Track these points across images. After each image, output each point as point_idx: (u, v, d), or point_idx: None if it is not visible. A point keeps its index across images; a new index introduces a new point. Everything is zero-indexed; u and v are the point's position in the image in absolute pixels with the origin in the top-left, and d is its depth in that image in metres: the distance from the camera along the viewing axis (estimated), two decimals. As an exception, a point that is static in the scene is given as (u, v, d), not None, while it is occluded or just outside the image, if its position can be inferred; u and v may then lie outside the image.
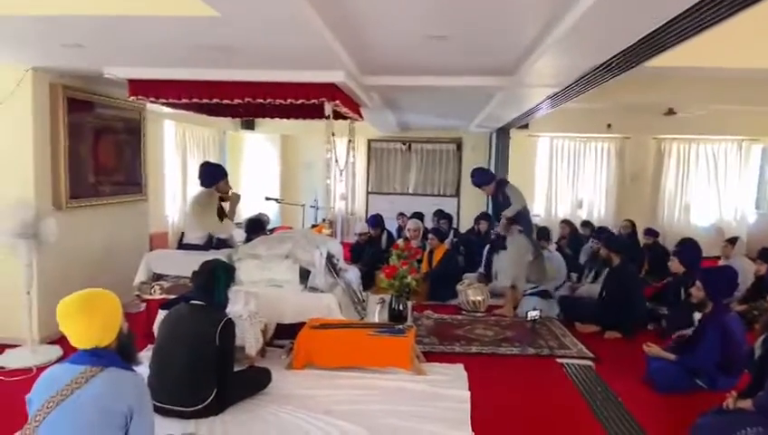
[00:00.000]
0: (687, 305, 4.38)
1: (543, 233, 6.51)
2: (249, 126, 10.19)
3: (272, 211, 9.12)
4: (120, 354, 2.20)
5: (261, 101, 4.31)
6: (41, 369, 3.69)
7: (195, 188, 8.45)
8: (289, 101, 4.29)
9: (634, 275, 5.49)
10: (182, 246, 5.06)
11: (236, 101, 4.33)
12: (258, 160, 10.66)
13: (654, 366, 3.91)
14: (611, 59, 3.64)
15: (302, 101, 4.28)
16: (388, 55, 4.05)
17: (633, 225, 7.98)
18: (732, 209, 10.40)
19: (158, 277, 4.71)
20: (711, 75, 5.32)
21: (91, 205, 5.09)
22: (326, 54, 3.67)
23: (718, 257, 6.66)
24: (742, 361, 3.62)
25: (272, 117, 5.91)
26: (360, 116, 5.50)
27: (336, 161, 4.74)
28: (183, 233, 5.25)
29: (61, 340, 4.00)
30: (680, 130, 9.86)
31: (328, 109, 4.31)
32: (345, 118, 5.32)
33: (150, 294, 4.56)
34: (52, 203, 4.59)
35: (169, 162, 8.04)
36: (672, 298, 5.22)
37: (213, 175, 5.15)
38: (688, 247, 5.23)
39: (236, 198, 5.37)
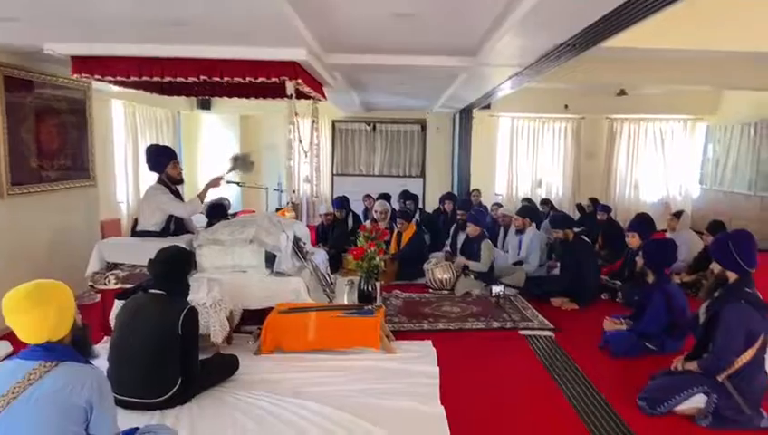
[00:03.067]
0: (639, 277, 4.59)
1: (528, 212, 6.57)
2: (205, 106, 9.85)
3: (232, 195, 8.90)
4: (74, 348, 2.10)
5: (217, 79, 4.13)
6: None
7: (147, 172, 8.25)
8: (248, 79, 4.12)
9: (588, 249, 5.69)
10: (136, 233, 4.83)
11: (191, 79, 4.14)
12: (216, 142, 10.33)
13: (608, 334, 4.14)
14: (570, 39, 3.70)
15: (262, 80, 4.13)
16: (352, 33, 3.96)
17: (596, 202, 8.30)
18: (677, 185, 10.90)
19: (112, 266, 4.50)
20: (660, 57, 5.49)
21: (35, 192, 4.79)
22: (286, 30, 3.54)
23: (665, 231, 6.98)
24: (685, 325, 3.90)
25: (229, 96, 5.70)
26: (324, 96, 5.39)
27: (300, 142, 4.63)
28: (136, 220, 4.99)
29: (9, 335, 3.78)
30: (631, 109, 10.25)
31: (290, 88, 4.19)
32: (308, 98, 5.20)
33: (105, 284, 4.35)
34: (-8, 190, 4.30)
35: (119, 145, 7.69)
36: (628, 272, 5.44)
37: (159, 158, 4.75)
38: (646, 223, 5.44)
39: (217, 182, 4.97)
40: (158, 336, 3.05)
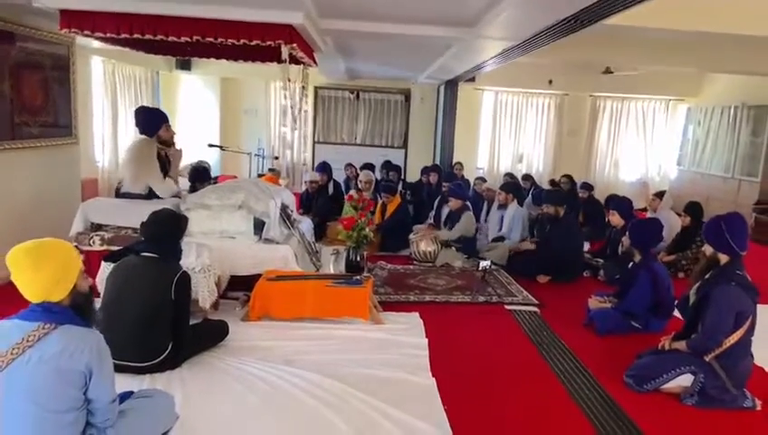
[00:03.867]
0: (624, 256, 4.70)
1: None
2: (185, 66, 9.56)
3: (211, 159, 8.73)
4: (74, 311, 2.08)
5: (211, 40, 4.00)
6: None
7: (126, 131, 8.05)
8: (242, 41, 4.00)
9: (575, 227, 5.78)
10: (121, 195, 4.73)
11: (184, 38, 3.99)
12: (195, 104, 10.07)
13: (593, 311, 4.20)
14: (573, 15, 3.67)
15: (257, 43, 4.01)
16: (352, -1, 3.86)
17: (572, 180, 8.35)
18: (656, 165, 11.11)
19: (96, 227, 4.42)
20: (646, 36, 5.50)
21: (17, 147, 4.63)
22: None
23: (644, 210, 7.12)
24: (669, 304, 4.01)
25: (217, 58, 5.52)
26: (314, 61, 5.27)
27: (291, 108, 4.54)
28: (120, 183, 4.87)
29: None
30: (614, 88, 10.31)
31: (284, 52, 4.07)
32: (298, 62, 5.08)
33: (89, 245, 4.27)
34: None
35: (98, 103, 7.44)
36: (610, 250, 5.56)
37: (151, 121, 4.65)
38: (626, 203, 5.55)
39: (179, 154, 4.89)
40: (150, 300, 3.03)
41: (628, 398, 3.10)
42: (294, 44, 4.07)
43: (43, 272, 1.96)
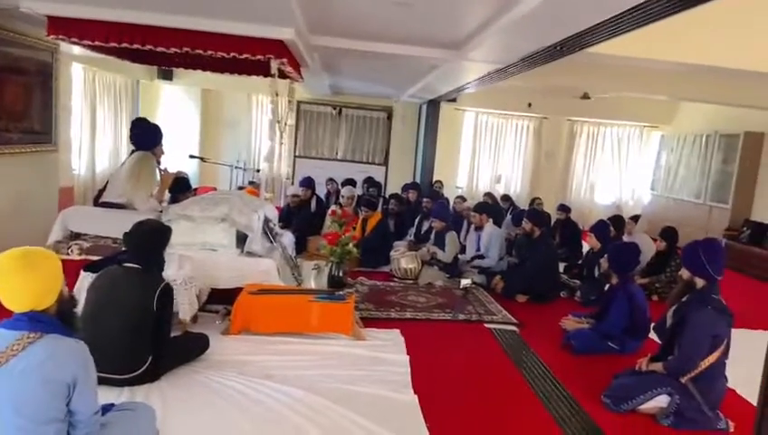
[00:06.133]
0: (600, 278, 4.80)
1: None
2: (166, 76, 9.49)
3: (190, 170, 8.65)
4: (60, 320, 2.04)
5: (200, 52, 4.01)
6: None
7: (105, 141, 7.93)
8: (232, 54, 4.02)
9: (550, 248, 5.87)
10: (101, 204, 4.65)
11: (173, 49, 3.99)
12: (175, 114, 9.97)
13: (571, 332, 4.25)
14: (558, 42, 3.80)
15: (247, 57, 4.04)
16: (345, 17, 3.93)
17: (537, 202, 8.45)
18: (630, 190, 11.42)
19: (75, 236, 4.34)
20: (622, 64, 5.68)
21: (-4, 153, 4.57)
22: (278, 7, 3.47)
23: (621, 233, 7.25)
24: (646, 326, 4.10)
25: (204, 69, 5.53)
26: (301, 76, 5.32)
27: (278, 122, 4.56)
28: (101, 190, 4.79)
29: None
30: (591, 113, 10.60)
31: (274, 67, 4.11)
32: (284, 77, 5.12)
33: (68, 254, 4.19)
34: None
35: (77, 110, 7.32)
36: (587, 271, 5.67)
37: (150, 137, 4.63)
38: (603, 226, 5.69)
39: (170, 176, 4.85)
40: (132, 311, 2.99)
41: (606, 418, 3.14)
42: (284, 59, 4.12)
43: (34, 279, 1.93)
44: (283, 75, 5.01)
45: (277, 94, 4.39)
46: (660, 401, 3.14)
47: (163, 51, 4.09)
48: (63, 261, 4.13)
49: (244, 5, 3.55)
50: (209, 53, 4.04)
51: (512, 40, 3.91)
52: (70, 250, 4.19)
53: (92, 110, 7.65)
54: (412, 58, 4.95)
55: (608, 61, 5.31)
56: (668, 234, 5.99)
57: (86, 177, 7.61)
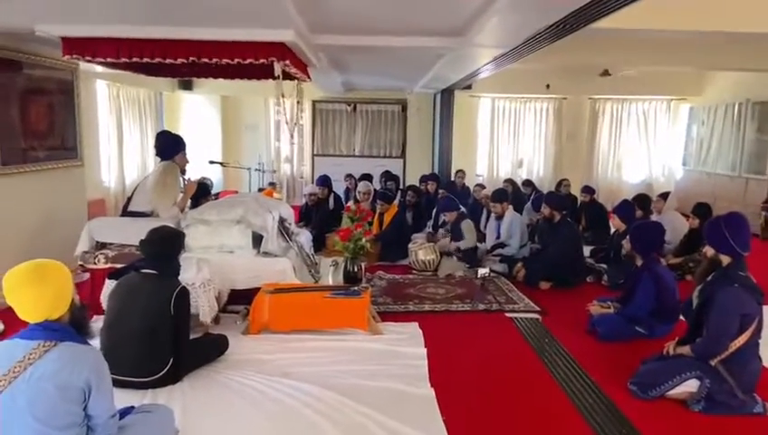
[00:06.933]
0: (627, 260, 4.65)
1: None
2: (187, 86, 9.74)
3: (215, 175, 8.86)
4: (73, 327, 2.13)
5: (206, 60, 4.10)
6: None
7: (133, 153, 8.19)
8: (236, 60, 4.10)
9: (573, 231, 5.73)
10: (128, 213, 4.83)
11: (180, 60, 4.10)
12: (198, 122, 10.22)
13: (596, 317, 4.12)
14: (562, 19, 3.71)
15: (251, 61, 4.10)
16: (341, 14, 3.93)
17: (569, 183, 8.31)
18: (660, 166, 11.05)
19: (101, 246, 4.50)
20: (643, 37, 5.53)
21: (24, 172, 4.80)
22: (275, 11, 3.51)
23: (651, 212, 7.04)
24: (675, 308, 3.92)
25: (215, 77, 5.65)
26: (308, 76, 5.35)
27: (287, 123, 4.61)
28: (129, 199, 4.97)
29: (2, 314, 3.75)
30: (614, 90, 10.30)
31: (277, 69, 4.16)
32: (292, 78, 5.17)
33: (94, 263, 4.36)
34: (-18, 170, 4.30)
35: (103, 125, 7.59)
36: (613, 254, 5.52)
37: (169, 146, 4.80)
38: (627, 206, 5.52)
39: (193, 185, 4.99)
40: (150, 316, 3.08)
41: (633, 405, 3.04)
42: (287, 61, 4.16)
43: (47, 290, 2.02)
44: (290, 76, 5.07)
45: (284, 95, 4.45)
46: (690, 385, 3.01)
47: (171, 62, 4.19)
48: (91, 270, 4.39)
49: (242, 12, 3.60)
50: (215, 60, 4.12)
51: (512, 21, 3.84)
52: (96, 260, 4.35)
53: (119, 124, 7.91)
54: (416, 49, 4.90)
55: (626, 35, 5.16)
56: (701, 210, 5.71)
57: (116, 189, 7.89)
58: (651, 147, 10.98)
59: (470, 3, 3.64)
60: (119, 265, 4.13)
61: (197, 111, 10.29)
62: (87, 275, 4.52)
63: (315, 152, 10.84)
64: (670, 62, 7.33)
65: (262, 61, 4.12)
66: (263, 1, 3.29)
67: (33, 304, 2.02)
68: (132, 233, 4.33)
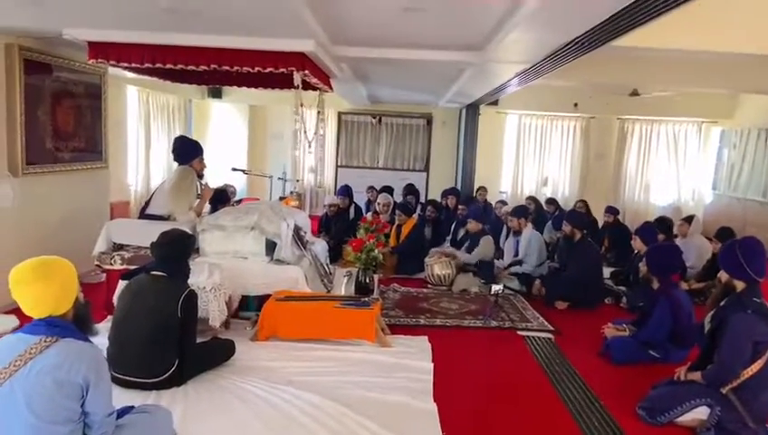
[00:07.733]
0: (647, 284, 4.52)
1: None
2: (216, 94, 9.93)
3: (238, 182, 8.97)
4: (76, 324, 2.16)
5: (227, 68, 4.18)
6: (-5, 339, 3.57)
7: (159, 157, 8.38)
8: (256, 69, 4.18)
9: (593, 251, 5.62)
10: (144, 215, 4.92)
11: (202, 67, 4.19)
12: (225, 130, 10.40)
13: (610, 340, 4.04)
14: (579, 37, 3.67)
15: (270, 70, 4.17)
16: (361, 27, 3.97)
17: (587, 205, 8.07)
18: (690, 190, 10.75)
19: (118, 247, 4.60)
20: (674, 57, 5.43)
21: (50, 171, 4.93)
22: (296, 21, 3.57)
23: (676, 236, 6.86)
24: (691, 333, 3.79)
25: (239, 86, 5.76)
26: (330, 87, 5.41)
27: (305, 133, 4.66)
28: (147, 202, 5.08)
29: (17, 310, 3.86)
30: (643, 111, 10.09)
31: (297, 78, 4.22)
32: (315, 89, 5.23)
33: (110, 264, 4.44)
34: (8, 169, 4.43)
35: (132, 130, 7.79)
36: (633, 276, 5.38)
37: (186, 151, 4.88)
38: (649, 228, 5.39)
39: (210, 190, 5.05)
40: (157, 317, 3.11)
41: (641, 431, 2.97)
42: (306, 71, 4.22)
43: (51, 286, 2.06)
44: (312, 87, 5.12)
45: (302, 105, 4.49)
46: (700, 412, 2.94)
47: (194, 69, 4.29)
48: (107, 270, 4.46)
49: (263, 22, 3.67)
50: (236, 68, 4.20)
51: (531, 36, 3.81)
52: (113, 260, 4.43)
53: (147, 128, 8.09)
54: (436, 63, 4.91)
55: (658, 55, 5.08)
56: (724, 234, 5.56)
57: (141, 192, 8.04)
58: (681, 170, 10.70)
59: (488, 18, 3.63)
60: (134, 267, 4.21)
61: (226, 119, 10.47)
62: (104, 276, 4.60)
63: (339, 163, 10.90)
64: (701, 83, 7.16)
65: (282, 70, 4.17)
66: (281, 11, 3.35)
67: (37, 299, 2.06)
68: (149, 235, 4.38)
